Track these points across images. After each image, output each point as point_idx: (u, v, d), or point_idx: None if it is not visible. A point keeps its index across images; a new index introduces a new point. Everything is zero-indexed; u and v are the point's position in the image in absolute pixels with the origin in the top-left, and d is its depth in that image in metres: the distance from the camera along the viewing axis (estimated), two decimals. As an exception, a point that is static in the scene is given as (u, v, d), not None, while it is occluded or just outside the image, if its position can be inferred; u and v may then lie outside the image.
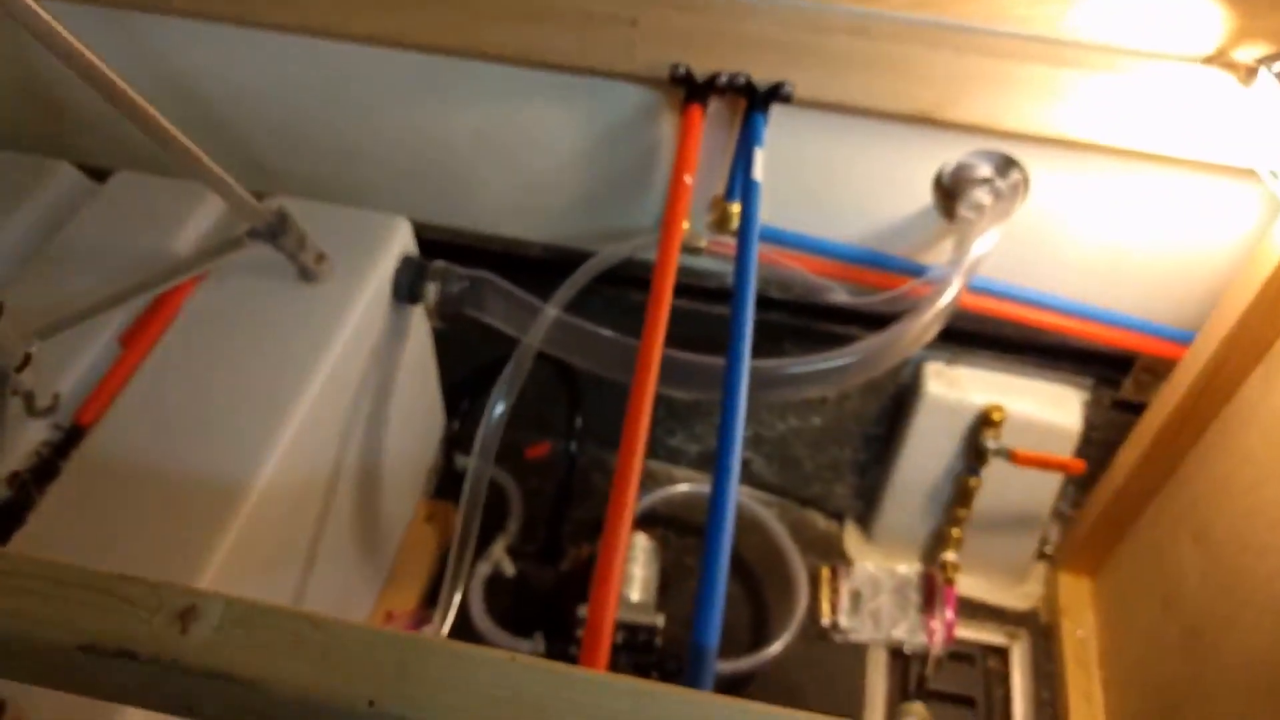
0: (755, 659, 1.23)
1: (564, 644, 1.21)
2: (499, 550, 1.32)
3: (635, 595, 1.24)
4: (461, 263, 1.08)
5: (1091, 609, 1.35)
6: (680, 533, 1.46)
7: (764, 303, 1.24)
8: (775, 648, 1.23)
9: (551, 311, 1.03)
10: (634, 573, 1.26)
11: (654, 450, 1.49)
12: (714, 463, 0.66)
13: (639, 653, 1.19)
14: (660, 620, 1.20)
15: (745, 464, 1.46)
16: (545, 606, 1.33)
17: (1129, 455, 1.21)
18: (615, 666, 1.19)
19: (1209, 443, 1.12)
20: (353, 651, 0.38)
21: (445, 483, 1.42)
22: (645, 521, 1.41)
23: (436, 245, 1.19)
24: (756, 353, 0.81)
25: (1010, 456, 1.20)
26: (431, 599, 1.34)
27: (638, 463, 0.65)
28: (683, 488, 1.40)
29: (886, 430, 1.34)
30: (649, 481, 1.50)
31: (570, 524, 1.44)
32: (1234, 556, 1.04)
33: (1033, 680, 1.32)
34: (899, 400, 1.31)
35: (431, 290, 1.06)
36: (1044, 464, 1.20)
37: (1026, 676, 1.32)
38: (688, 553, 1.43)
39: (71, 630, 0.39)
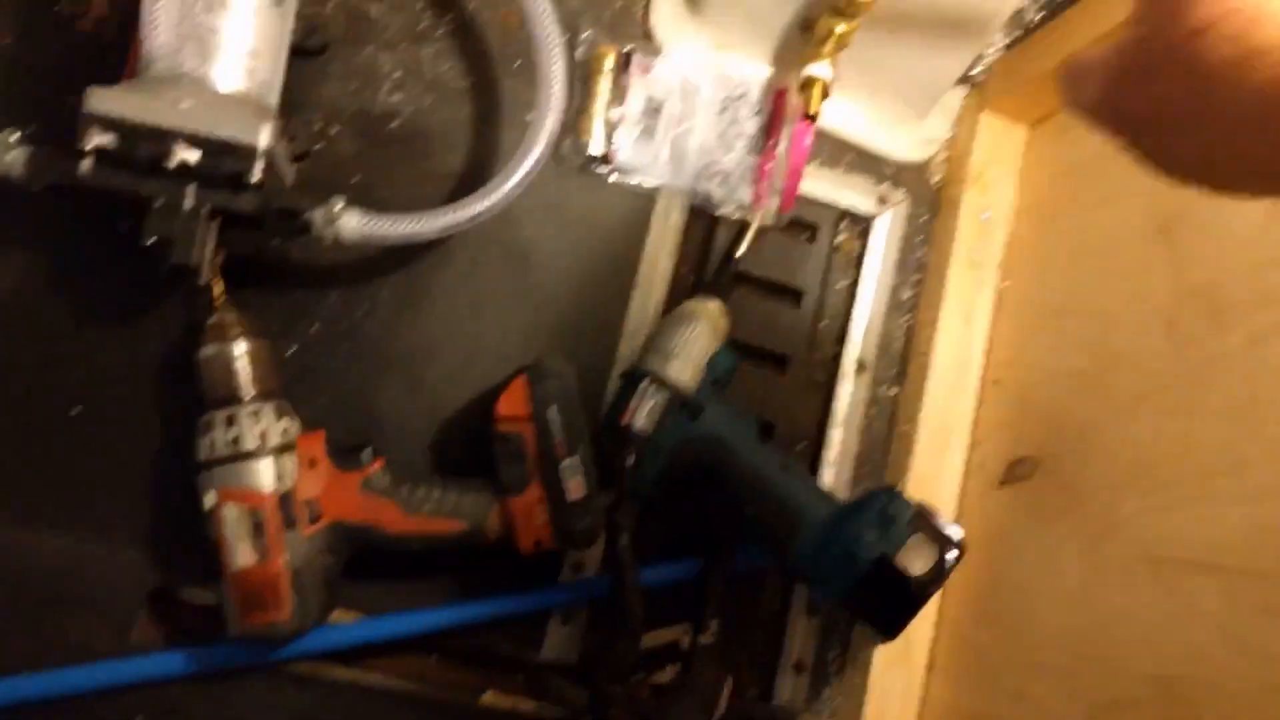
0: (461, 212, 0.67)
1: None
2: None
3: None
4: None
5: (1020, 177, 0.85)
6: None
7: None
8: (487, 199, 0.67)
9: None
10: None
11: None
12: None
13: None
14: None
15: None
16: None
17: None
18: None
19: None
20: None
21: None
22: None
23: None
24: None
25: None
26: None
27: None
28: None
29: None
30: None
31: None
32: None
33: (893, 273, 0.85)
34: None
35: None
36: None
37: (886, 267, 0.85)
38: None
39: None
